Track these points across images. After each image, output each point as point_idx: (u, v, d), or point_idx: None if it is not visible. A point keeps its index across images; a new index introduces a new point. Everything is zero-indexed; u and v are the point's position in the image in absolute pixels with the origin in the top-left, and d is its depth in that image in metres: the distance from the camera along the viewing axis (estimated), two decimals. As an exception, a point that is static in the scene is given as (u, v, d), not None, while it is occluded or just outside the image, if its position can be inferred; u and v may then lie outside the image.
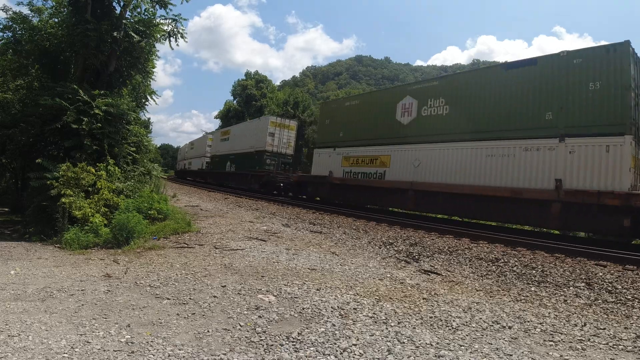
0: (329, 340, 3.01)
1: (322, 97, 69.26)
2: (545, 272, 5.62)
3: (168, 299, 3.91)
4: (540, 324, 3.69)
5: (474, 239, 8.08)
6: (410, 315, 3.72)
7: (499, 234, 8.61)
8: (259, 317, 3.47)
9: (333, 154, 15.71)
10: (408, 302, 4.17)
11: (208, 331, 3.10)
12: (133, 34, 9.53)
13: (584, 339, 3.37)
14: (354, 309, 3.81)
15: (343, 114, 15.87)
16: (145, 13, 10.26)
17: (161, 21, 10.32)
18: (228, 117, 51.10)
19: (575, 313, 4.11)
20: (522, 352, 2.98)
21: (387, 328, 3.34)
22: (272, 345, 2.89)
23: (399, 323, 3.48)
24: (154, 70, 11.40)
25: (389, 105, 13.35)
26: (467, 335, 3.28)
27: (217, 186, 26.90)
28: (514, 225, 11.52)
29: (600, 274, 5.44)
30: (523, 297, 4.65)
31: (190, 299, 3.91)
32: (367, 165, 13.90)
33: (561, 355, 2.97)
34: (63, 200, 7.27)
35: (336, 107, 17.05)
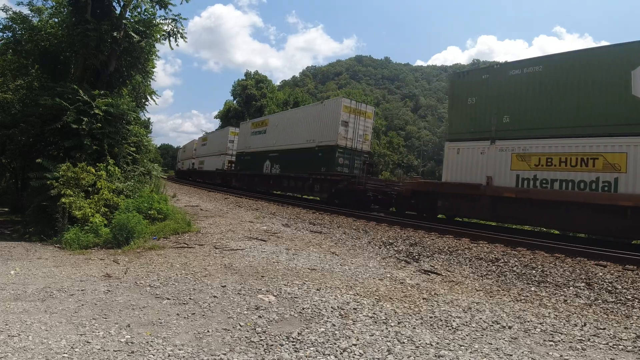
0: (329, 340, 3.01)
1: (321, 97, 69.19)
2: (545, 272, 5.62)
3: (168, 299, 3.91)
4: (540, 324, 3.70)
5: (474, 239, 8.08)
6: (410, 315, 3.72)
7: (499, 234, 8.60)
8: (259, 317, 3.47)
9: (490, 150, 10.21)
10: (408, 302, 4.17)
11: (208, 331, 3.10)
12: (133, 34, 9.53)
13: (584, 339, 3.37)
14: (354, 309, 3.81)
15: (507, 87, 10.26)
16: (145, 13, 10.27)
17: (161, 21, 10.33)
18: (228, 117, 51.19)
19: (575, 313, 4.11)
20: (522, 352, 2.98)
21: (387, 328, 3.34)
22: (272, 345, 2.89)
23: (399, 323, 3.48)
24: (154, 70, 11.41)
25: (614, 72, 8.42)
26: (467, 335, 3.28)
27: (249, 192, 21.05)
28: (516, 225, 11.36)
29: (600, 274, 5.44)
30: (523, 297, 4.66)
31: (190, 299, 3.91)
32: (571, 168, 8.66)
33: (561, 355, 2.97)
34: (63, 200, 7.27)
35: (489, 79, 10.89)
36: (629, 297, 4.61)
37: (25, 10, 10.14)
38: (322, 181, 16.14)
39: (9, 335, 2.85)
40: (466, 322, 3.60)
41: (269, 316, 3.49)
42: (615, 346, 3.24)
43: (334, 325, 3.33)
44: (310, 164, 16.86)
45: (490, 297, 4.62)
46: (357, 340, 3.04)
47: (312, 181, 16.72)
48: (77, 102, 8.32)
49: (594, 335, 3.46)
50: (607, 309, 4.32)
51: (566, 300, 4.59)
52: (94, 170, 7.98)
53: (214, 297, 3.98)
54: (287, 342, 2.94)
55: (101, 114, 8.41)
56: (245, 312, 3.57)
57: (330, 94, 67.60)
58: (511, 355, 2.92)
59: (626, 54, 8.49)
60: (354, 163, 16.19)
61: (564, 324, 3.73)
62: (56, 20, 10.48)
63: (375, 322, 3.47)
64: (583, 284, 5.11)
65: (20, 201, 10.39)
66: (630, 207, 7.58)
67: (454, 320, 3.62)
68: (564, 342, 3.27)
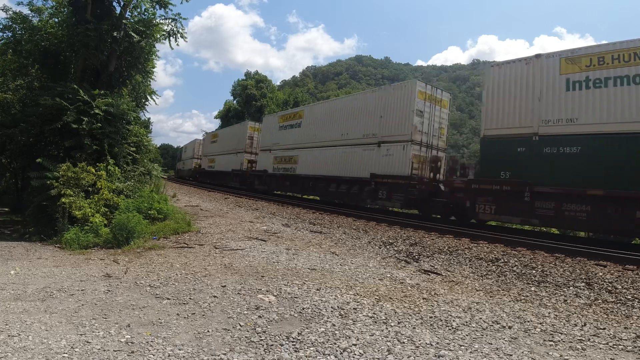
0: (329, 340, 3.01)
1: (321, 97, 69.18)
2: (545, 272, 5.62)
3: (168, 299, 3.91)
4: (540, 324, 3.69)
5: (474, 239, 8.07)
6: (410, 315, 3.72)
7: (499, 234, 8.60)
8: (259, 317, 3.47)
9: None
10: (408, 302, 4.17)
11: (208, 331, 3.10)
12: (133, 34, 9.52)
13: (584, 339, 3.37)
14: (354, 309, 3.81)
15: None
16: (145, 13, 10.26)
17: (161, 21, 10.33)
18: (228, 117, 51.10)
19: (575, 313, 4.11)
20: (522, 352, 2.98)
21: (387, 328, 3.34)
22: (272, 345, 2.89)
23: (399, 323, 3.48)
24: (154, 70, 11.41)
25: None
26: (467, 335, 3.28)
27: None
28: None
29: (600, 274, 5.44)
30: (523, 297, 4.65)
31: (190, 299, 3.91)
32: None
33: (561, 355, 2.97)
34: (63, 200, 7.27)
35: None
36: (629, 297, 4.61)
37: (25, 10, 10.15)
38: None
39: (9, 335, 2.85)
40: (466, 322, 3.60)
41: (269, 316, 3.49)
42: (615, 346, 3.24)
43: (334, 325, 3.33)
44: None
45: (490, 297, 4.62)
46: (357, 340, 3.04)
47: None
48: (77, 102, 8.31)
49: (594, 335, 3.46)
50: (607, 309, 4.31)
51: (566, 300, 4.59)
52: (94, 170, 7.98)
53: (214, 297, 3.98)
54: (287, 342, 2.94)
55: (101, 114, 8.40)
56: (245, 312, 3.57)
57: (330, 94, 67.52)
58: (511, 355, 2.92)
59: None
60: None
61: (564, 324, 3.73)
62: (56, 20, 10.47)
63: (375, 322, 3.47)
64: (583, 284, 5.11)
65: (20, 201, 10.39)
66: None
67: (454, 320, 3.62)
68: (564, 342, 3.27)
